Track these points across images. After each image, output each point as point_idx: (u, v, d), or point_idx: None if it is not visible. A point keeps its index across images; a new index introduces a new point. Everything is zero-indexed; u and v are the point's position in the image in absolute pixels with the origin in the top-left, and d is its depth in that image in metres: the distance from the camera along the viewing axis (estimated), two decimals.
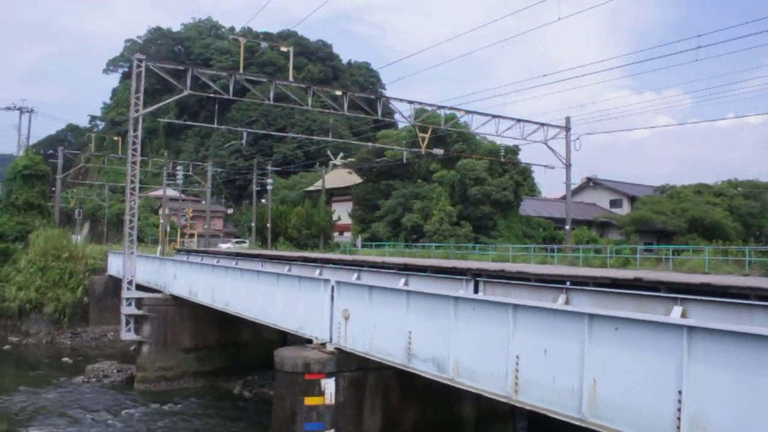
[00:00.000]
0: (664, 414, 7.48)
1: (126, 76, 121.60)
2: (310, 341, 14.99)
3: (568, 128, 38.60)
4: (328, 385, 13.31)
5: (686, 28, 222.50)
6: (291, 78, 31.04)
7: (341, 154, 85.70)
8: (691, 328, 7.38)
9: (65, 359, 30.92)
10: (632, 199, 67.33)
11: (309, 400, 13.14)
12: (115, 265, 37.16)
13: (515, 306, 9.88)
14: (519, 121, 35.88)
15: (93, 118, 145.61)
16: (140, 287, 27.39)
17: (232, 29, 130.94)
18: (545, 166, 40.69)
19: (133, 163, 26.12)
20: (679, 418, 7.29)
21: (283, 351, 14.11)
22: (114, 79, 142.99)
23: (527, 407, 9.54)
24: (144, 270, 29.94)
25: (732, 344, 6.96)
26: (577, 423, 8.54)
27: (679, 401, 7.30)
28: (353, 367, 13.64)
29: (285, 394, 13.55)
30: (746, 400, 6.74)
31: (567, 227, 40.50)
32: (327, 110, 34.31)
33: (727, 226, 49.96)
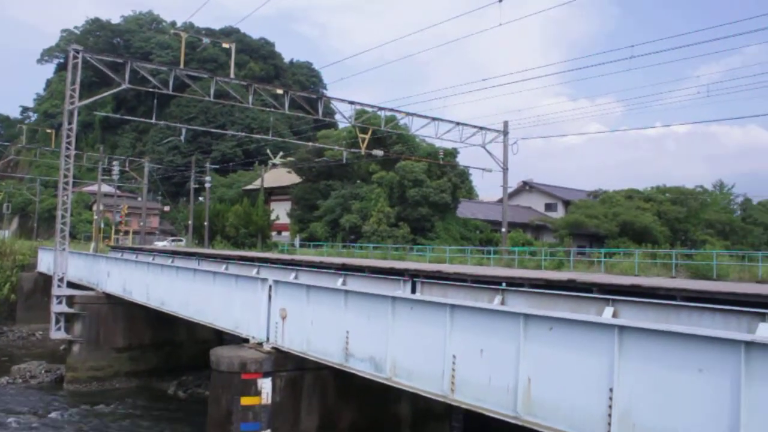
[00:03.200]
0: (596, 411, 7.69)
1: (61, 67, 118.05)
2: (246, 341, 14.86)
3: (505, 132, 39.23)
4: (265, 384, 13.22)
5: (622, 38, 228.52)
6: (232, 75, 30.66)
7: (281, 153, 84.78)
8: (622, 328, 7.62)
9: None
10: (566, 203, 68.76)
11: (245, 400, 13.03)
12: (45, 262, 36.13)
13: (452, 306, 10.00)
14: (458, 124, 36.27)
15: (25, 110, 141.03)
16: (72, 285, 26.68)
17: (173, 24, 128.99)
18: (483, 169, 41.31)
19: (67, 156, 25.41)
20: (610, 415, 7.51)
21: (219, 350, 13.95)
22: (48, 70, 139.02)
23: (463, 406, 9.66)
24: (76, 267, 29.18)
25: (660, 343, 7.22)
26: (512, 421, 8.70)
27: (611, 398, 7.52)
28: (290, 367, 13.58)
29: (221, 394, 13.40)
30: (672, 396, 6.99)
31: (503, 230, 41.14)
32: (268, 109, 34.07)
33: (655, 231, 51.56)
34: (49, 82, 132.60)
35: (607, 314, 11.94)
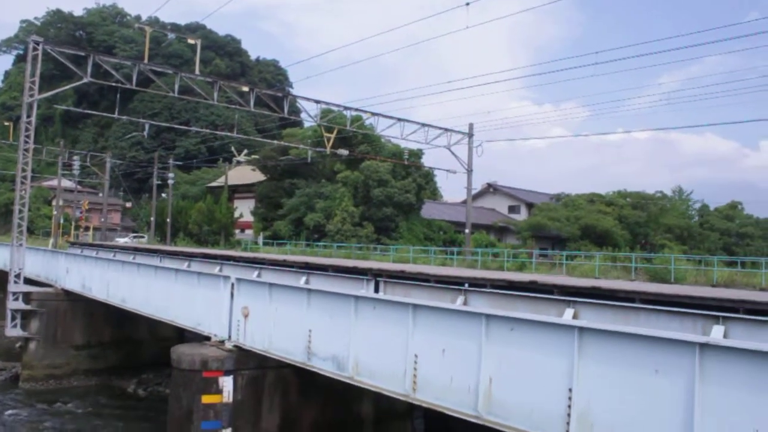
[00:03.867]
0: (555, 411, 7.80)
1: (21, 59, 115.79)
2: (208, 338, 14.77)
3: (471, 134, 39.49)
4: (226, 383, 13.15)
5: (588, 45, 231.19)
6: (197, 71, 30.40)
7: (245, 151, 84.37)
8: (582, 329, 7.74)
9: None
10: (530, 206, 69.38)
11: (206, 399, 12.95)
12: (1, 258, 35.41)
13: (415, 306, 10.06)
14: (423, 125, 36.43)
15: None
16: (29, 281, 26.20)
17: (137, 18, 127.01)
18: (447, 170, 41.52)
19: (26, 150, 24.96)
20: (569, 415, 7.63)
21: (180, 348, 13.83)
22: (7, 61, 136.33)
23: (425, 405, 9.72)
24: (34, 263, 28.68)
25: (619, 344, 7.36)
26: (473, 420, 8.78)
27: (570, 398, 7.64)
28: (252, 365, 13.53)
29: (181, 393, 13.29)
30: (630, 396, 7.13)
31: (467, 231, 41.43)
32: (233, 106, 33.83)
33: (616, 234, 52.38)
34: (7, 74, 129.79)
35: (567, 315, 12.11)
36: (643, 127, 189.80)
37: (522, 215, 70.00)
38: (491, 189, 77.26)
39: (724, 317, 10.49)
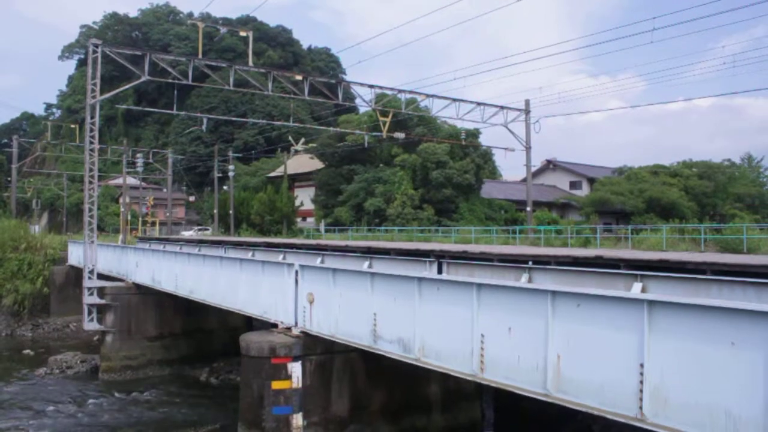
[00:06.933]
0: (627, 387, 7.65)
1: (82, 63, 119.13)
2: (275, 326, 14.97)
3: (527, 111, 38.88)
4: (295, 368, 13.32)
5: (640, 12, 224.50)
6: (251, 63, 30.72)
7: (303, 140, 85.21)
8: (651, 303, 7.54)
9: (26, 351, 30.37)
10: (591, 181, 68.16)
11: (276, 384, 13.14)
12: (75, 255, 36.59)
13: (479, 285, 9.97)
14: (479, 104, 36.02)
15: (49, 106, 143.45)
16: (102, 276, 27.04)
17: (190, 15, 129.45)
18: (506, 148, 40.94)
19: (91, 151, 25.67)
20: (641, 391, 7.47)
21: (248, 336, 14.07)
22: (70, 66, 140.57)
23: (493, 385, 9.66)
24: (105, 259, 29.55)
25: (691, 317, 7.14)
26: (543, 399, 8.68)
27: (641, 374, 7.47)
28: (319, 351, 13.67)
29: (252, 379, 13.54)
30: (705, 371, 6.93)
31: (528, 209, 40.92)
32: (287, 95, 34.10)
33: (682, 206, 50.98)
34: (71, 78, 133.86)
35: (635, 290, 11.86)
36: (706, 94, 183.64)
37: (583, 191, 68.86)
38: (551, 165, 76.14)
39: None
